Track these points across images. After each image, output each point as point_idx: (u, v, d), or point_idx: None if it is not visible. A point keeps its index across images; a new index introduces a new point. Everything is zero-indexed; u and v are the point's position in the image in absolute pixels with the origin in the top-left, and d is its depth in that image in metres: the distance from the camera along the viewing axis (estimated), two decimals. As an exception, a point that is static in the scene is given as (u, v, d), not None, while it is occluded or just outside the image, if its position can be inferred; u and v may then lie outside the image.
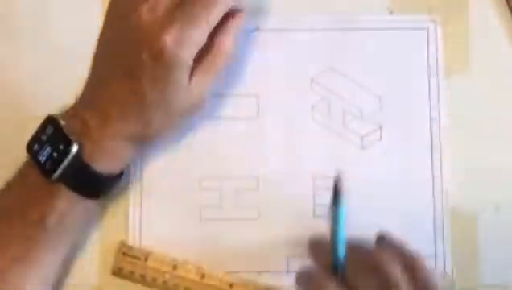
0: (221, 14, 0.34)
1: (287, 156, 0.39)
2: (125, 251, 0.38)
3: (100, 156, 0.34)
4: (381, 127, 0.39)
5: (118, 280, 0.37)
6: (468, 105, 0.39)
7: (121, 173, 0.37)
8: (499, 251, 0.37)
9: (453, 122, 0.39)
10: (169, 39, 0.32)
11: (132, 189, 0.39)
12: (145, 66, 0.33)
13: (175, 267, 0.37)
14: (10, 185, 0.35)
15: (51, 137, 0.34)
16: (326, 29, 0.40)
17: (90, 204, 0.35)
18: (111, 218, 0.38)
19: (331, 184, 0.38)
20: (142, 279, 0.37)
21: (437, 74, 0.39)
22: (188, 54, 0.33)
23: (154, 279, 0.37)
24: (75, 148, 0.33)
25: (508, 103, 0.39)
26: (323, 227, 0.38)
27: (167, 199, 0.38)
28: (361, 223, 0.38)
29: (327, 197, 0.38)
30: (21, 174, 0.35)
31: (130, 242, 0.38)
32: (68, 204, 0.34)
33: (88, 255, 0.38)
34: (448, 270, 0.37)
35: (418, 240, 0.38)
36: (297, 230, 0.38)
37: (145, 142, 0.36)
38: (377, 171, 0.39)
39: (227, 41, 0.35)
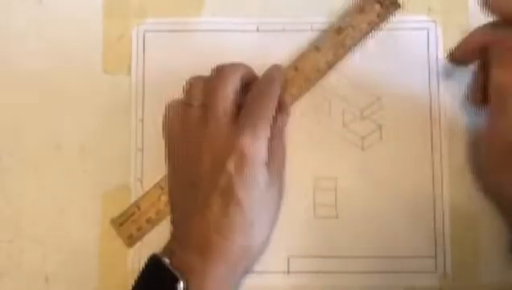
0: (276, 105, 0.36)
1: (288, 156, 0.39)
2: (120, 222, 0.38)
3: None
4: (381, 127, 0.39)
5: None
6: (469, 105, 0.39)
7: None
8: (499, 252, 0.37)
9: (453, 122, 0.39)
10: (246, 141, 0.33)
11: (133, 189, 0.39)
12: (233, 175, 0.33)
13: (162, 188, 0.38)
14: None
15: (156, 276, 0.33)
16: (327, 30, 0.40)
17: None
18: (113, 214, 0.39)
19: (331, 184, 0.39)
20: (151, 222, 0.38)
21: (437, 74, 0.39)
22: (264, 149, 0.34)
23: (158, 212, 0.38)
24: (181, 285, 0.32)
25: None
26: (324, 228, 0.38)
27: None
28: (362, 223, 0.38)
29: (327, 197, 0.38)
30: None
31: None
32: None
33: (88, 256, 0.38)
34: (448, 270, 0.38)
35: (418, 241, 0.38)
36: (297, 230, 0.38)
37: (246, 263, 0.35)
38: (377, 172, 0.38)
39: (282, 139, 0.38)
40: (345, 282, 0.38)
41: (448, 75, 0.39)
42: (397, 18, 0.40)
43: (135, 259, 0.38)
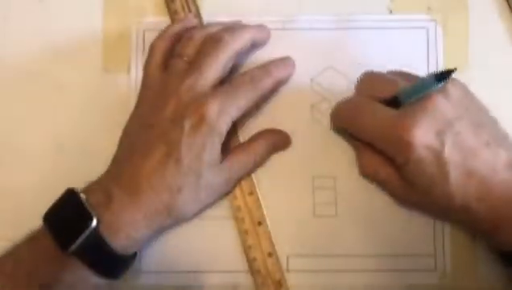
0: (258, 98, 0.37)
1: (287, 156, 0.39)
2: None
3: (116, 232, 0.33)
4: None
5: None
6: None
7: (135, 256, 0.36)
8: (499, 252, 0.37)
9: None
10: (211, 109, 0.34)
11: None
12: (184, 133, 0.34)
13: None
14: (20, 249, 0.34)
15: (71, 210, 0.33)
16: (326, 29, 0.40)
17: (100, 282, 0.33)
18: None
19: (330, 183, 0.39)
20: None
21: (437, 73, 0.39)
22: (225, 126, 0.35)
23: None
24: (94, 223, 0.32)
25: (508, 102, 0.39)
26: (323, 227, 0.38)
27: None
28: (361, 222, 0.38)
29: (326, 197, 0.38)
30: (33, 240, 0.34)
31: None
32: (78, 278, 0.33)
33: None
34: (448, 268, 0.38)
35: (418, 240, 0.38)
36: (296, 230, 0.38)
37: (165, 221, 0.35)
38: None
39: (259, 148, 0.38)
40: (345, 281, 0.38)
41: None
42: (397, 18, 0.40)
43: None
